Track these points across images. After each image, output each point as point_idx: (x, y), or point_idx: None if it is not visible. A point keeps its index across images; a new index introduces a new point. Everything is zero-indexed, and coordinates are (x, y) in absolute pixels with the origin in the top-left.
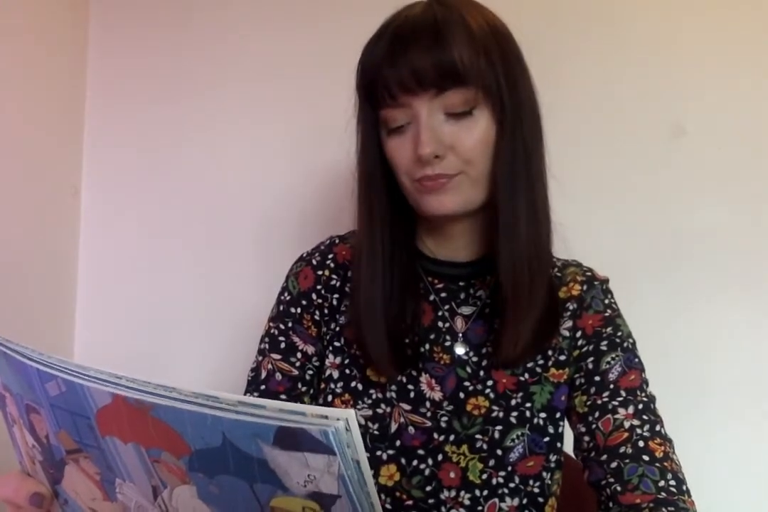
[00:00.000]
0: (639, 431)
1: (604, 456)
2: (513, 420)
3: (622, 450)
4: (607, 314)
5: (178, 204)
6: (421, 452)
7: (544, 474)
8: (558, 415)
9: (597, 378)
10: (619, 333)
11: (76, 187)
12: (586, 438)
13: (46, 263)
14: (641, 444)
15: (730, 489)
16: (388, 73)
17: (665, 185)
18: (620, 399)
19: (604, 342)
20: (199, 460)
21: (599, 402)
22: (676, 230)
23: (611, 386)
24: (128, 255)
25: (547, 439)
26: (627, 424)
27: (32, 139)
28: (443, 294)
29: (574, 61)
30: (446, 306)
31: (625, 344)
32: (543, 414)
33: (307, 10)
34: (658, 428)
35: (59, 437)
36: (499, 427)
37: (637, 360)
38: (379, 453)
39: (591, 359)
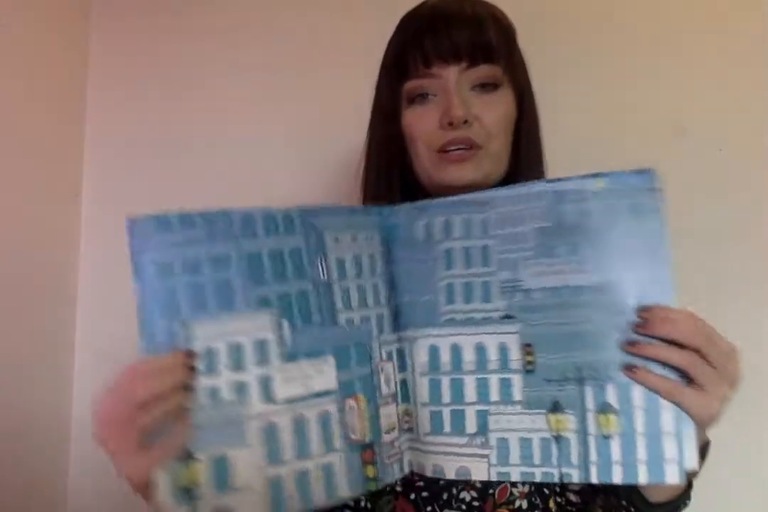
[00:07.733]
0: None
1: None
2: None
3: None
4: None
5: (180, 206)
6: None
7: None
8: None
9: None
10: None
11: (77, 189)
12: None
13: (47, 265)
14: None
15: (731, 489)
16: (429, 43)
17: (665, 185)
18: None
19: None
20: None
21: None
22: (676, 230)
23: None
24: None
25: None
26: None
27: (32, 141)
28: None
29: (575, 62)
30: None
31: None
32: None
33: (313, 3)
34: None
35: None
36: None
37: None
38: None
39: None
